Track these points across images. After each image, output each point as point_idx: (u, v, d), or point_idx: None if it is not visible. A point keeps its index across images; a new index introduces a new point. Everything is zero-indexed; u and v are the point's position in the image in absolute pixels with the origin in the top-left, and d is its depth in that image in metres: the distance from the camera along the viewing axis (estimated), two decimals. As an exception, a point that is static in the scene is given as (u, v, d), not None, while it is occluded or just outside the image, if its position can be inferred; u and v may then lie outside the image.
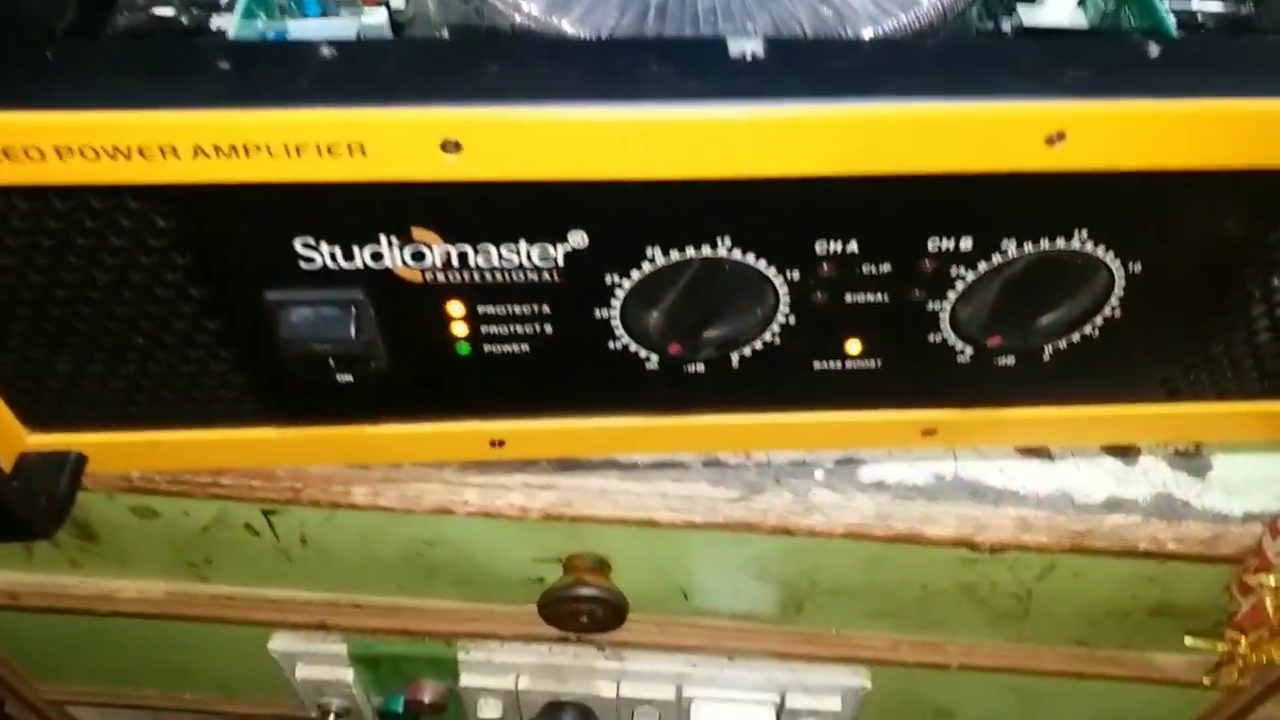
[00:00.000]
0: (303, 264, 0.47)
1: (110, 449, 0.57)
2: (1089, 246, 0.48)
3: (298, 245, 0.46)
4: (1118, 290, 0.50)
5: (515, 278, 0.48)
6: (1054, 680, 0.75)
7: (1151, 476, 0.61)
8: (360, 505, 0.61)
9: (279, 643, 0.78)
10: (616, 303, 0.50)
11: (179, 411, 0.55)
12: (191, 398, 0.54)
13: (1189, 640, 0.67)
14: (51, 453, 0.56)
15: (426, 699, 0.80)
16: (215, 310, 0.49)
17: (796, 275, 0.49)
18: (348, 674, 0.79)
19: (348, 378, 0.53)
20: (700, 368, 0.54)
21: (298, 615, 0.75)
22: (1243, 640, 0.64)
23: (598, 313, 0.50)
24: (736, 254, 0.47)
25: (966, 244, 0.48)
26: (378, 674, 0.79)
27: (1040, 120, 0.41)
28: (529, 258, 0.47)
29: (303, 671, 0.80)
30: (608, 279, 0.48)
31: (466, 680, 0.79)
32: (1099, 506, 0.60)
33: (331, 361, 0.51)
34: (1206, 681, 0.69)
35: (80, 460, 0.57)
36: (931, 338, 0.53)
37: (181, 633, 0.79)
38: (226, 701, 0.89)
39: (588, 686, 0.79)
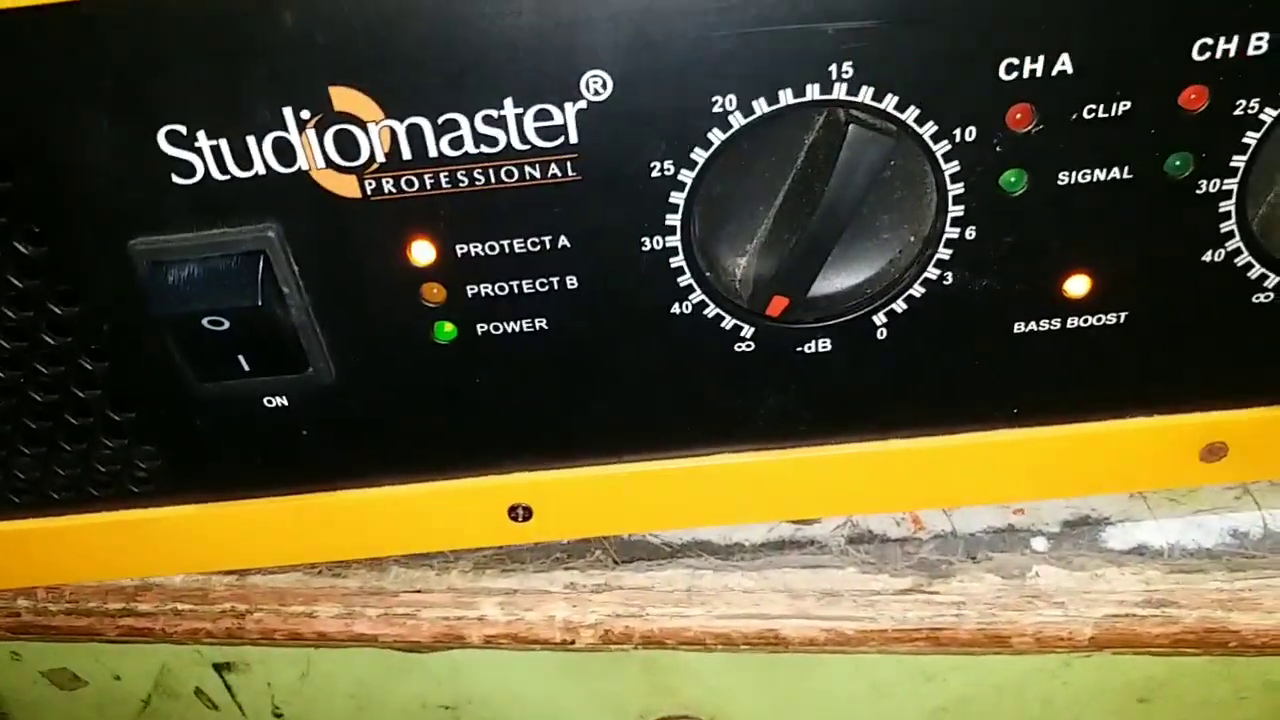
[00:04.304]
0: (178, 180, 0.30)
1: (-40, 550, 0.39)
2: None
3: (163, 142, 0.29)
4: None
5: (505, 178, 0.30)
6: None
7: None
8: (331, 635, 0.40)
9: None
10: (675, 219, 0.31)
11: (45, 482, 0.37)
12: (58, 454, 0.36)
13: None
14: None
15: None
16: (62, 280, 0.32)
17: (972, 134, 0.29)
18: None
19: (279, 399, 0.35)
20: (824, 345, 0.33)
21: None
22: None
23: (646, 242, 0.31)
24: (865, 97, 0.28)
25: (1258, 45, 0.28)
26: None
27: None
28: (523, 133, 0.29)
29: None
30: (656, 168, 0.30)
31: None
32: None
33: (244, 360, 0.33)
34: None
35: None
36: (1209, 255, 0.31)
37: None
38: None
39: None
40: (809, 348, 0.33)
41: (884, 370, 0.34)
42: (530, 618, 0.39)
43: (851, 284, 0.33)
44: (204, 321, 0.31)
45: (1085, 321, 0.33)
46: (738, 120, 0.29)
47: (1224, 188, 0.30)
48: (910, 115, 0.29)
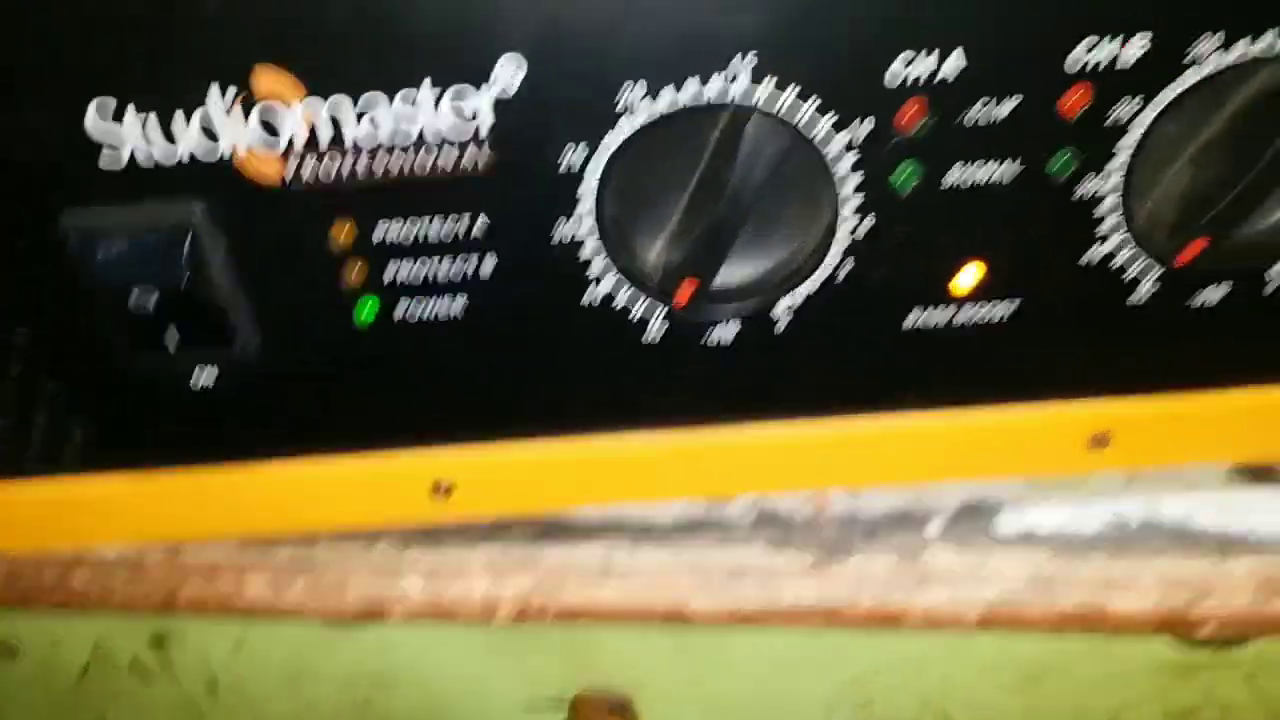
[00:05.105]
0: (106, 155, 0.31)
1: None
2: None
3: (91, 118, 0.30)
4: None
5: (422, 166, 0.31)
6: None
7: None
8: (259, 609, 0.42)
9: None
10: (583, 207, 0.32)
11: (-22, 449, 0.38)
12: (-11, 421, 0.37)
13: None
14: None
15: None
16: (-6, 254, 0.33)
17: (867, 129, 0.31)
18: None
19: (209, 372, 0.36)
20: (727, 334, 0.35)
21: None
22: None
23: (557, 229, 0.33)
24: (763, 94, 0.30)
25: (1135, 48, 0.29)
26: None
27: None
28: (438, 119, 0.30)
29: None
30: (564, 157, 0.31)
31: None
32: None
33: (171, 334, 0.34)
34: None
35: None
36: (1092, 252, 0.33)
37: None
38: None
39: None
40: (716, 335, 0.35)
41: (786, 357, 0.35)
42: (451, 592, 0.41)
43: (757, 274, 0.34)
44: (131, 296, 0.33)
45: (975, 314, 0.35)
46: (647, 109, 0.30)
47: (1107, 187, 0.32)
48: (810, 107, 0.30)
